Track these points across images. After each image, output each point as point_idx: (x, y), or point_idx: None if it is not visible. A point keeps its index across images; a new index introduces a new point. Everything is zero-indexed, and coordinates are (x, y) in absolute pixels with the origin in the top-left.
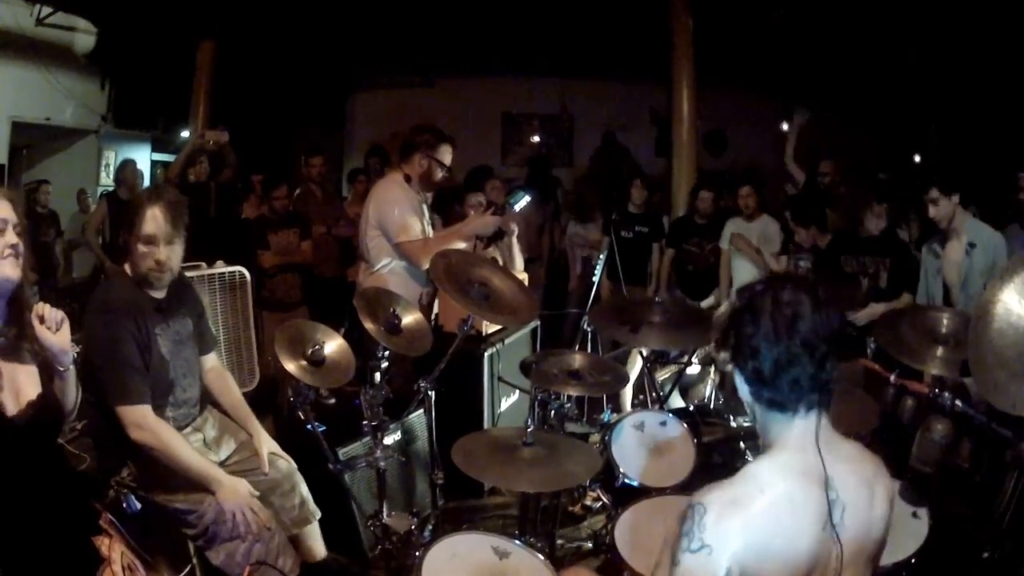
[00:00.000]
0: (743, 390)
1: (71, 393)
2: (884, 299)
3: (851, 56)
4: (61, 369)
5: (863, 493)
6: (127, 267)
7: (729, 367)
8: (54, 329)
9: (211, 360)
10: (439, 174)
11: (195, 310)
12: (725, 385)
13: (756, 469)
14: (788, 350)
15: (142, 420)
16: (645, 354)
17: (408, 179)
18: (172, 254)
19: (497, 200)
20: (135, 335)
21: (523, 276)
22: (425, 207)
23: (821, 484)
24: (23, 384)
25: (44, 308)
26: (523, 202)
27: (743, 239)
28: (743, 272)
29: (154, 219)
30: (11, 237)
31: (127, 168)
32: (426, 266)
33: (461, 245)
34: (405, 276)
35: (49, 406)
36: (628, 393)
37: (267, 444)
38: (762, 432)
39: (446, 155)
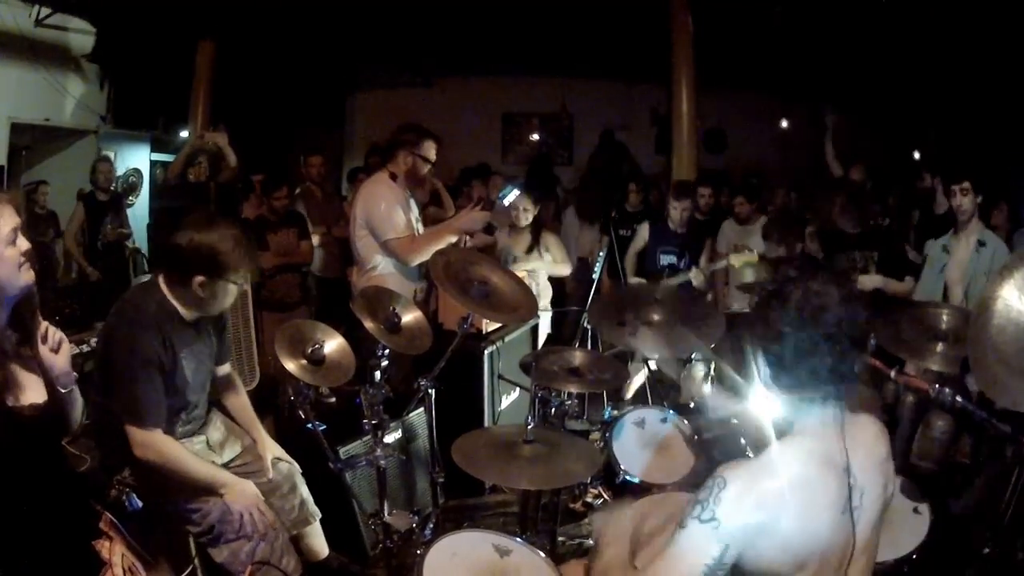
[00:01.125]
0: (764, 373)
1: (75, 412)
2: (877, 292)
3: (851, 55)
4: (63, 391)
5: (878, 475)
6: (165, 284)
7: (752, 349)
8: (52, 349)
9: (223, 368)
10: (424, 170)
11: (219, 325)
12: (723, 381)
13: (776, 452)
14: (810, 338)
15: (148, 441)
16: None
17: (394, 177)
18: None
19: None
20: (160, 354)
21: (566, 269)
22: (413, 203)
23: (841, 470)
24: (27, 390)
25: (46, 328)
26: (512, 196)
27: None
28: (747, 272)
29: (242, 260)
30: (23, 243)
31: (101, 167)
32: (415, 263)
33: (452, 239)
34: (397, 274)
35: (53, 413)
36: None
37: (271, 449)
38: (783, 419)
39: (430, 151)
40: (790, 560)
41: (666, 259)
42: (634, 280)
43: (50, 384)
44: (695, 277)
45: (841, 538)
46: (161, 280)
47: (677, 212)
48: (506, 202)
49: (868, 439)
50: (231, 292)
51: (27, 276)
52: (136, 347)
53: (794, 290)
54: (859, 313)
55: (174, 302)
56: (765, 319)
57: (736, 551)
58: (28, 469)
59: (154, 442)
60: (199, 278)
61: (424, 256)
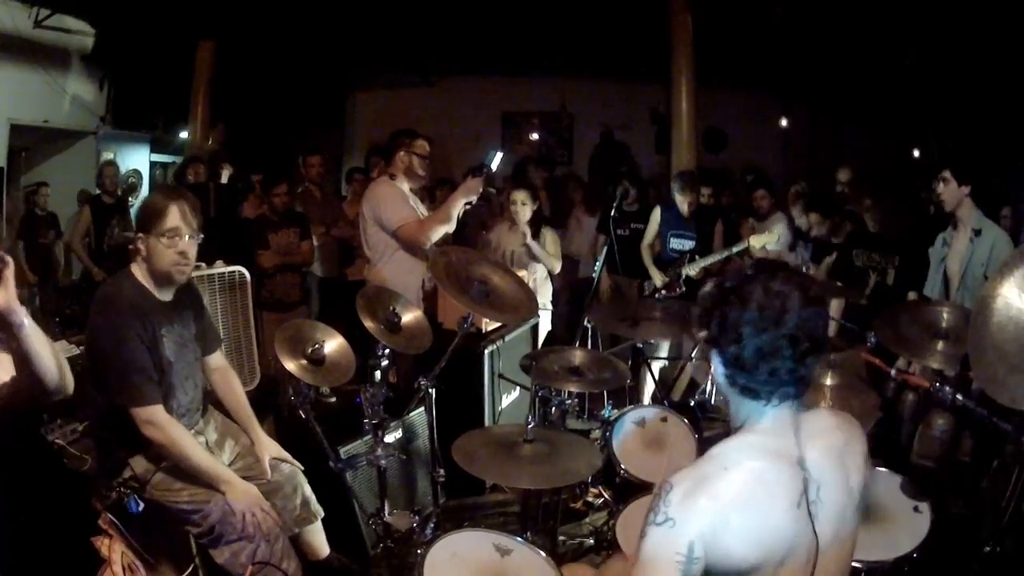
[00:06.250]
0: (718, 371)
1: (44, 358)
2: (889, 296)
3: (851, 55)
4: (16, 323)
5: (836, 467)
6: (135, 268)
7: (707, 346)
8: None
9: (216, 359)
10: (420, 165)
11: (199, 310)
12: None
13: (723, 448)
14: (772, 341)
15: (153, 418)
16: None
17: (392, 177)
18: (193, 249)
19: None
20: (141, 335)
21: (556, 266)
22: (415, 196)
23: (793, 463)
24: None
25: None
26: (498, 159)
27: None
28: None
29: (178, 213)
30: None
31: (107, 171)
32: (428, 244)
33: (457, 212)
34: (407, 264)
35: (23, 389)
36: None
37: (269, 449)
38: (733, 415)
39: (424, 148)
40: (761, 558)
41: (677, 243)
42: (655, 273)
43: (20, 355)
44: (714, 262)
45: (801, 534)
46: (132, 266)
47: (684, 206)
48: (493, 165)
49: (823, 430)
50: (162, 250)
51: None
52: (119, 330)
53: (754, 289)
54: (820, 314)
55: (145, 283)
56: (722, 318)
57: (703, 548)
58: (8, 451)
59: (156, 418)
60: (139, 236)
61: (435, 236)
